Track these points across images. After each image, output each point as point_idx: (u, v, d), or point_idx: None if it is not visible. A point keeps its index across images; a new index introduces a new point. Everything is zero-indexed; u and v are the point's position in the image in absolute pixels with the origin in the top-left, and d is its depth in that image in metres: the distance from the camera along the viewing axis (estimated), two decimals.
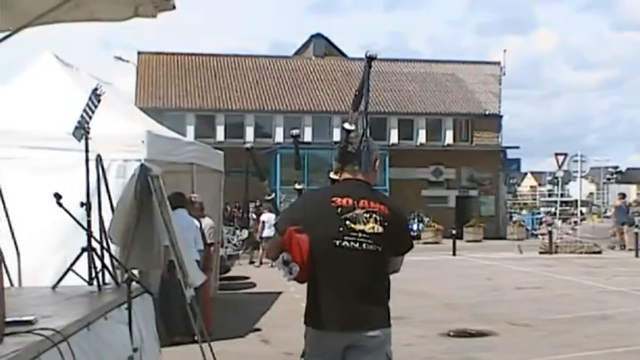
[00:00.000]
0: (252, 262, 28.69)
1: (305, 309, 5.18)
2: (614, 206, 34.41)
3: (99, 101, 7.36)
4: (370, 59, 5.40)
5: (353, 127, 5.36)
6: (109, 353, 5.79)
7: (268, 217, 27.76)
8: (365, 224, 5.03)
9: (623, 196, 39.22)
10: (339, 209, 5.04)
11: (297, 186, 5.80)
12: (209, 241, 12.92)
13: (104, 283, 7.21)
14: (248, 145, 5.58)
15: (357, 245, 5.00)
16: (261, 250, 28.36)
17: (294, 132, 6.23)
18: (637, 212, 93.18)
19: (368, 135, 5.34)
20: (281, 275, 5.11)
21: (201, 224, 12.76)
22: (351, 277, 5.01)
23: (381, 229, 5.05)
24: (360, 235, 5.01)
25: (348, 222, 5.01)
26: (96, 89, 7.36)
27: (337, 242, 5.00)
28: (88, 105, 7.29)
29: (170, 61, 53.44)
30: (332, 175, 5.42)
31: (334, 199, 5.09)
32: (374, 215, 5.06)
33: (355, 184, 5.21)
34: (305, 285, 5.15)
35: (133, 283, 6.71)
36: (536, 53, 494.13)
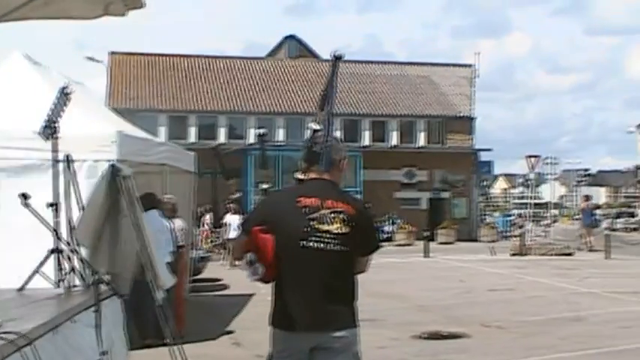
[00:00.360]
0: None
1: (271, 309, 5.14)
2: (580, 209, 35.09)
3: (68, 100, 7.24)
4: (337, 59, 5.45)
5: (320, 127, 5.36)
6: (76, 357, 5.68)
7: (232, 219, 27.66)
8: (331, 224, 4.99)
9: (587, 198, 40.42)
10: (305, 209, 5.01)
11: (263, 185, 5.73)
12: (180, 244, 12.78)
13: (72, 286, 7.09)
14: (214, 144, 5.41)
15: (323, 246, 4.97)
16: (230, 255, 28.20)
17: (260, 131, 6.14)
18: (608, 214, 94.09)
19: (333, 134, 5.37)
20: (245, 275, 5.08)
21: (173, 226, 12.64)
22: (317, 278, 4.98)
23: (347, 230, 5.01)
24: (326, 235, 4.97)
25: (314, 222, 4.98)
26: (65, 87, 7.25)
27: (303, 242, 4.96)
28: (56, 104, 7.17)
29: (142, 61, 53.19)
30: (298, 175, 5.38)
31: (300, 199, 5.06)
32: (340, 215, 5.02)
33: (321, 184, 5.17)
34: (273, 286, 5.11)
35: (102, 285, 6.60)
36: (509, 56, 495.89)
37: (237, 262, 5.18)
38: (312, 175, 5.24)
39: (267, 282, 5.11)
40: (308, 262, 4.97)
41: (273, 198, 5.55)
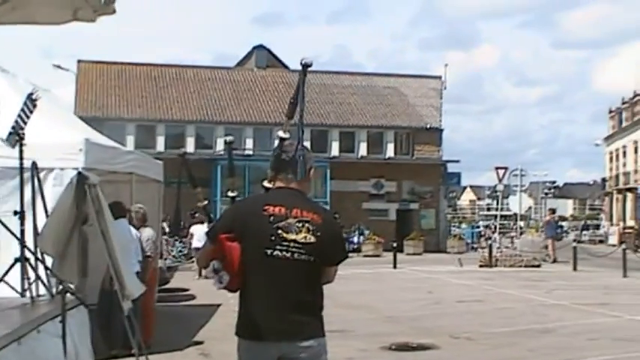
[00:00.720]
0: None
1: (237, 319, 5.08)
2: (544, 221, 36.08)
3: (34, 106, 7.13)
4: (305, 67, 5.30)
5: (288, 135, 5.29)
6: None
7: (196, 229, 27.49)
8: (297, 234, 4.95)
9: (553, 211, 41.38)
10: (272, 218, 4.96)
11: (230, 193, 5.66)
12: (148, 253, 12.64)
13: (37, 295, 6.97)
14: (181, 152, 5.40)
15: (289, 255, 4.92)
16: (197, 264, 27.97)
17: (228, 139, 6.09)
18: (574, 227, 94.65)
19: (303, 144, 5.26)
20: (211, 284, 5.03)
21: (140, 235, 12.53)
22: (283, 287, 4.93)
23: (313, 239, 4.97)
24: (292, 244, 4.93)
25: (280, 231, 4.93)
26: (31, 94, 7.13)
27: (269, 251, 4.91)
28: (22, 110, 7.05)
29: (110, 70, 52.94)
30: (265, 184, 5.34)
31: (267, 207, 5.00)
32: (306, 225, 4.98)
33: (288, 193, 5.13)
34: None
35: (68, 295, 6.48)
36: (477, 68, 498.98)
37: (203, 271, 5.09)
38: (280, 184, 5.20)
39: (232, 291, 5.06)
40: (273, 271, 4.93)
41: (240, 206, 5.39)
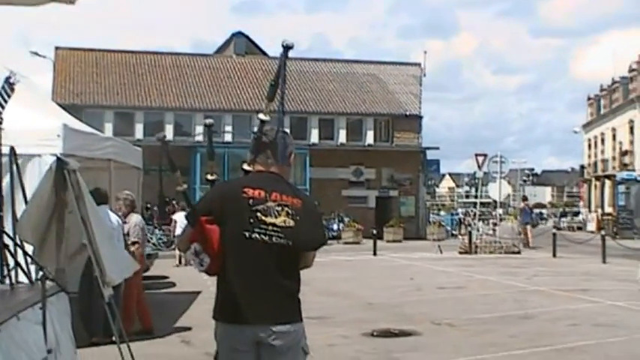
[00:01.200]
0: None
1: (215, 302, 5.10)
2: (519, 208, 36.90)
3: (12, 90, 7.00)
4: (286, 48, 5.26)
5: (268, 118, 5.26)
6: (21, 355, 5.47)
7: (179, 216, 27.50)
8: (276, 217, 4.96)
9: (525, 198, 42.93)
10: (251, 201, 4.96)
11: (209, 177, 5.54)
12: (133, 239, 12.56)
13: (17, 282, 6.87)
14: (161, 135, 5.33)
15: (268, 238, 4.92)
16: (177, 250, 27.88)
17: (208, 121, 6.01)
18: (553, 214, 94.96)
19: (283, 127, 5.28)
20: (193, 267, 5.07)
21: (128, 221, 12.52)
22: (261, 270, 4.93)
23: (292, 223, 4.98)
24: (270, 228, 4.94)
25: (259, 214, 4.94)
26: (9, 78, 7.00)
27: (247, 234, 4.92)
28: (0, 94, 6.92)
29: (88, 57, 52.53)
30: (245, 167, 5.33)
31: (246, 190, 5.01)
32: (286, 209, 5.00)
33: (268, 177, 5.13)
34: None
35: (48, 281, 6.38)
36: (456, 57, 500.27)
37: (183, 259, 5.03)
38: (259, 167, 5.21)
39: (212, 274, 5.06)
40: (252, 254, 4.92)
41: (220, 188, 5.36)
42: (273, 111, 5.33)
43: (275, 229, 4.94)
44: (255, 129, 5.31)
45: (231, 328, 4.97)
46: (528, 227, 39.01)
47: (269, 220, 4.94)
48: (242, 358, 4.97)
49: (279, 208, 4.98)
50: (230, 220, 4.95)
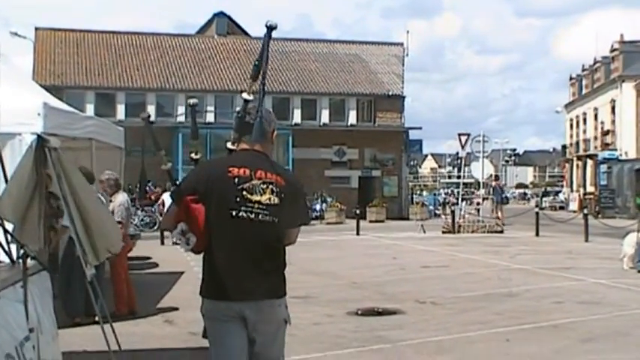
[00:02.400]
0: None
1: (202, 280, 5.18)
2: (490, 187, 37.47)
3: None
4: (270, 29, 5.37)
5: (251, 98, 5.34)
6: (2, 333, 5.38)
7: (167, 197, 27.46)
8: (261, 195, 5.04)
9: (497, 177, 43.48)
10: (236, 179, 5.04)
11: (193, 155, 5.58)
12: (117, 219, 12.45)
13: None
14: (145, 114, 5.33)
15: (253, 216, 5.01)
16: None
17: (192, 101, 6.04)
18: (535, 194, 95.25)
19: (264, 105, 5.33)
20: (179, 246, 5.16)
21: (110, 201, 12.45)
22: (247, 248, 5.01)
23: (277, 200, 5.07)
24: (256, 205, 5.02)
25: (244, 192, 5.02)
26: None
27: (234, 212, 5.00)
28: None
29: (69, 37, 52.19)
30: (229, 146, 5.41)
31: (231, 169, 5.08)
32: (270, 186, 5.08)
33: (252, 155, 5.20)
34: None
35: (30, 260, 6.29)
36: (440, 37, 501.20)
37: (171, 233, 5.07)
38: (243, 146, 5.26)
39: (198, 252, 5.11)
40: (238, 232, 5.00)
41: (204, 167, 5.41)
42: (256, 91, 5.39)
43: (260, 206, 5.02)
44: (239, 109, 5.36)
45: (219, 304, 5.04)
46: (499, 205, 39.48)
47: (254, 198, 5.02)
48: (229, 332, 5.05)
49: (264, 186, 5.05)
50: (215, 198, 5.01)
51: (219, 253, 5.04)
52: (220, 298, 5.05)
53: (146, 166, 39.95)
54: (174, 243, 4.72)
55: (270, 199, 5.05)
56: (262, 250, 5.04)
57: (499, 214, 38.20)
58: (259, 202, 5.03)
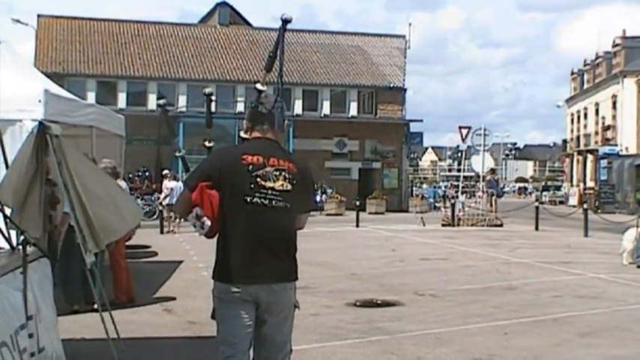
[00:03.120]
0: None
1: (215, 264, 5.31)
2: (486, 180, 37.60)
3: None
4: (285, 22, 5.69)
5: (265, 88, 5.57)
6: (3, 319, 5.38)
7: (173, 185, 27.56)
8: (275, 182, 5.22)
9: (492, 171, 42.95)
10: (250, 166, 5.21)
11: (207, 143, 5.86)
12: None
13: None
14: (161, 102, 5.69)
15: (267, 202, 5.19)
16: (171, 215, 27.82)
17: (207, 90, 6.35)
18: (535, 188, 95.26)
19: (281, 96, 5.63)
20: (194, 230, 5.28)
21: None
22: (261, 233, 5.18)
23: (289, 187, 5.26)
24: (270, 192, 5.20)
25: (258, 179, 5.19)
26: None
27: (248, 198, 5.17)
28: None
29: (71, 25, 52.16)
30: (242, 134, 5.60)
31: (245, 156, 5.23)
32: (283, 173, 5.26)
33: (265, 143, 5.38)
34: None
35: (30, 247, 6.29)
36: (443, 30, 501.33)
37: (186, 217, 5.32)
38: (256, 135, 5.44)
39: (211, 236, 5.26)
40: (252, 217, 5.16)
41: (218, 155, 5.54)
42: (269, 82, 5.68)
43: (274, 192, 5.21)
44: (253, 97, 5.56)
45: (234, 287, 5.18)
46: (493, 199, 39.16)
47: (268, 184, 5.20)
48: (238, 315, 5.21)
49: (277, 173, 5.24)
50: (230, 185, 5.18)
51: (233, 237, 5.19)
52: (235, 282, 5.18)
53: (149, 154, 40.01)
54: (193, 226, 4.89)
55: (283, 185, 5.23)
56: (276, 234, 5.22)
57: (492, 205, 38.07)
58: (273, 189, 5.20)
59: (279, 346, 5.40)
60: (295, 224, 5.39)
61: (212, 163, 5.39)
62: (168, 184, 28.70)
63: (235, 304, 5.20)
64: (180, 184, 11.52)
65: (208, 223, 5.16)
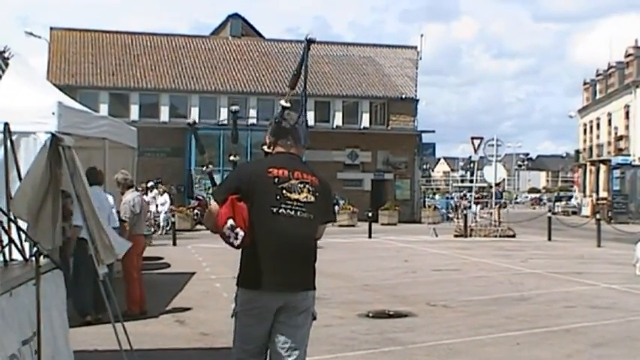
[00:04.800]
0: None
1: (240, 272, 5.56)
2: (491, 192, 38.03)
3: (6, 65, 6.92)
4: (309, 42, 5.99)
5: (289, 105, 5.85)
6: (13, 331, 5.41)
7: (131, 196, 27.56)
8: (299, 194, 5.51)
9: (497, 184, 42.84)
10: (276, 179, 5.48)
11: (231, 158, 6.11)
12: (122, 218, 12.49)
13: (11, 259, 6.80)
14: (190, 120, 6.09)
15: (293, 213, 5.46)
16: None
17: (234, 108, 6.71)
18: (549, 199, 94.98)
19: (306, 113, 5.98)
20: (230, 240, 5.40)
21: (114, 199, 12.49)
22: (288, 242, 5.43)
23: (312, 199, 5.55)
24: (295, 203, 5.48)
25: (284, 191, 5.46)
26: (3, 52, 6.92)
27: (275, 209, 5.43)
28: None
29: (83, 37, 52.38)
30: (265, 149, 5.86)
31: (271, 170, 5.51)
32: (307, 186, 5.55)
33: (289, 157, 5.67)
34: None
35: (42, 258, 6.31)
36: (457, 41, 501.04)
37: (221, 229, 5.42)
38: (280, 149, 5.72)
39: (245, 246, 5.45)
40: (279, 228, 5.41)
41: (246, 169, 5.86)
42: (293, 98, 6.02)
43: (299, 204, 5.49)
44: (277, 113, 5.84)
45: (259, 294, 5.43)
46: (498, 209, 39.38)
47: (293, 196, 5.48)
48: (259, 322, 5.48)
49: (302, 186, 5.53)
50: (258, 197, 5.44)
51: (262, 246, 5.42)
52: (261, 289, 5.41)
53: (161, 168, 40.10)
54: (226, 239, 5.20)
55: (307, 197, 5.53)
56: (300, 244, 5.49)
57: (497, 215, 38.02)
58: (298, 200, 5.49)
59: (290, 351, 5.54)
60: (316, 234, 5.68)
61: (240, 175, 5.65)
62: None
63: (256, 311, 5.45)
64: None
65: (242, 233, 5.36)
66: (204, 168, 6.42)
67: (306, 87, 5.98)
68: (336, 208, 45.32)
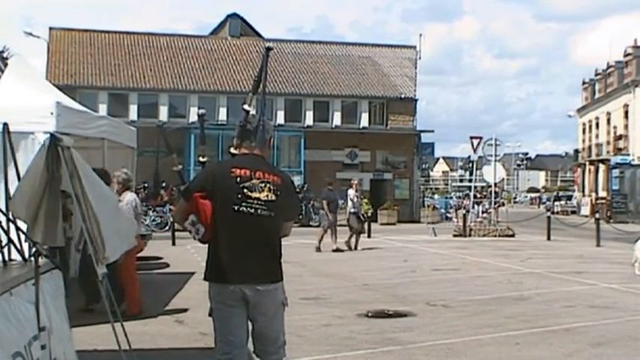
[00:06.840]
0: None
1: (206, 266, 6.01)
2: (488, 192, 38.21)
3: (6, 65, 6.92)
4: (268, 50, 6.66)
5: (251, 109, 6.30)
6: (12, 332, 5.39)
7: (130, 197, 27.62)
8: (260, 192, 5.89)
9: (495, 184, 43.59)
10: (238, 179, 5.88)
11: (200, 159, 6.60)
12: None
13: (10, 259, 6.79)
14: (159, 122, 6.48)
15: (253, 211, 5.86)
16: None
17: (200, 111, 7.50)
18: (549, 198, 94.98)
19: (263, 115, 6.32)
20: (190, 234, 5.97)
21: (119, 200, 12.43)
22: (248, 238, 5.84)
23: (274, 197, 5.92)
24: (255, 202, 5.87)
25: (245, 190, 5.86)
26: (2, 52, 6.91)
27: (236, 207, 5.84)
28: None
29: (82, 37, 52.35)
30: (232, 150, 6.28)
31: (233, 170, 5.93)
32: (268, 185, 5.93)
33: (252, 158, 6.08)
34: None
35: (42, 258, 6.31)
36: (458, 40, 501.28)
37: (183, 224, 5.95)
38: (244, 150, 6.15)
39: (205, 242, 5.95)
40: (240, 225, 5.83)
41: (211, 169, 6.22)
42: (263, 96, 6.57)
43: (259, 202, 5.87)
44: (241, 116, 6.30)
45: (223, 287, 5.87)
46: (495, 208, 39.67)
47: (254, 195, 5.87)
48: (233, 312, 5.88)
49: (263, 185, 5.91)
50: (220, 195, 5.85)
51: (223, 242, 5.85)
52: (223, 282, 5.85)
53: (160, 167, 40.01)
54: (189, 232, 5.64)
55: (267, 196, 5.90)
56: (261, 240, 5.89)
57: (494, 214, 38.34)
58: (258, 199, 5.87)
59: (272, 340, 6.06)
60: (280, 231, 6.06)
61: (205, 175, 6.07)
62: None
63: (228, 304, 5.87)
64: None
65: (202, 229, 5.82)
66: (174, 168, 6.84)
67: (265, 91, 6.50)
68: (336, 208, 45.32)
